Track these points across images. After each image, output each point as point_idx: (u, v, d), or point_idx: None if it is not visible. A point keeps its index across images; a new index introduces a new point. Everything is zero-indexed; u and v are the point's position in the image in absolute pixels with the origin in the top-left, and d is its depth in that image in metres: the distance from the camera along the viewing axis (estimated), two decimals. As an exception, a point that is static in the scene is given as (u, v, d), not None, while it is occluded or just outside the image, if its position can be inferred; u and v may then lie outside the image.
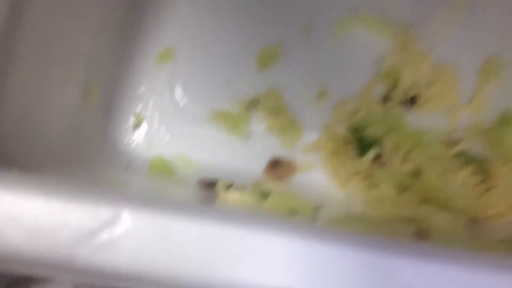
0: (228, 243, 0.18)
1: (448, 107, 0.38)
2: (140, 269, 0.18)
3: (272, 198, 0.28)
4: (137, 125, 0.37)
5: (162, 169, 0.34)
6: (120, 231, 0.18)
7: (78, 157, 0.32)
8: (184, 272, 0.18)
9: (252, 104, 0.37)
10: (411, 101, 0.38)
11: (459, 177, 0.32)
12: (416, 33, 0.38)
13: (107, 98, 0.36)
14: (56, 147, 0.30)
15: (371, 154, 0.34)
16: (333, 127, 0.36)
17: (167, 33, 0.38)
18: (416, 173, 0.34)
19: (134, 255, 0.18)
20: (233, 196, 0.29)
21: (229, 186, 0.31)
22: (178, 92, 0.38)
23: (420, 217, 0.31)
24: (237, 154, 0.36)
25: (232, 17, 0.39)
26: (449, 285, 0.18)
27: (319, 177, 0.36)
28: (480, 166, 0.34)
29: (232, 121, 0.36)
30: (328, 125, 0.36)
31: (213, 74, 0.38)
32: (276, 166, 0.36)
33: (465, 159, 0.35)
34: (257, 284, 0.18)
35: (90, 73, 0.33)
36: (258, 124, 0.37)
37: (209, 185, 0.32)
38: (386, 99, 0.38)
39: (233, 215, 0.19)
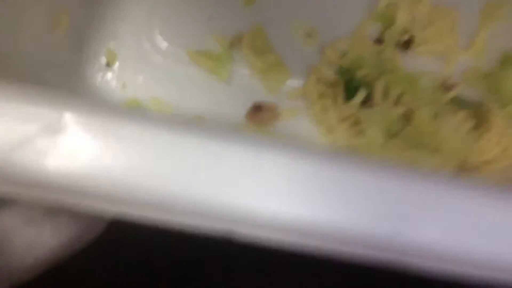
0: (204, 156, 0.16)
1: (445, 51, 0.35)
2: (86, 179, 0.16)
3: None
4: (110, 64, 0.34)
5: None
6: (64, 135, 0.16)
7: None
8: (142, 185, 0.16)
9: (235, 43, 0.34)
10: (406, 43, 0.35)
11: (452, 121, 0.30)
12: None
13: (77, 30, 0.33)
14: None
15: (360, 96, 0.32)
16: (321, 69, 0.34)
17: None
18: (407, 117, 0.32)
19: (79, 162, 0.16)
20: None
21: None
22: (156, 29, 0.35)
23: (408, 162, 0.29)
24: (218, 98, 0.34)
25: None
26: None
27: (304, 125, 0.34)
28: (476, 111, 0.32)
29: (213, 61, 0.34)
30: (316, 67, 0.34)
31: (194, 10, 0.35)
32: (259, 111, 0.33)
33: (461, 104, 0.33)
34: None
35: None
36: (241, 65, 0.34)
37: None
38: (379, 40, 0.35)
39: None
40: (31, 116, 0.16)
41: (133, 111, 0.18)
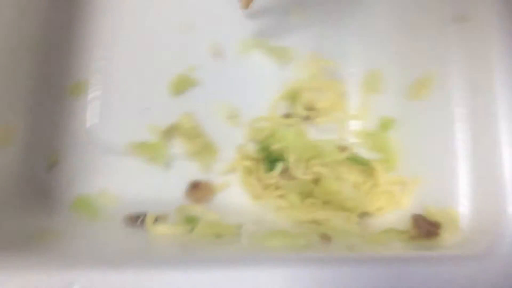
0: None
1: (337, 118, 0.44)
2: None
3: (199, 228, 0.32)
4: (52, 165, 0.37)
5: (85, 209, 0.35)
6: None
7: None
8: None
9: (169, 131, 0.40)
10: (308, 116, 0.44)
11: (350, 179, 0.39)
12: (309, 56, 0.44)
13: (22, 139, 0.35)
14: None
15: (278, 168, 0.39)
16: (245, 148, 0.40)
17: (77, 67, 0.39)
18: (316, 180, 0.40)
19: None
20: (162, 229, 0.32)
21: (156, 219, 0.33)
22: (94, 125, 0.39)
23: (321, 219, 0.37)
24: (159, 183, 0.39)
25: (141, 47, 0.41)
26: None
27: (236, 195, 0.40)
28: (366, 167, 0.41)
29: (150, 150, 0.39)
30: (240, 146, 0.41)
31: (128, 104, 0.40)
32: (196, 189, 0.39)
33: (355, 162, 0.42)
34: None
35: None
36: (177, 150, 0.40)
37: (136, 220, 0.34)
38: (288, 115, 0.43)
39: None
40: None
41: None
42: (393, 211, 0.39)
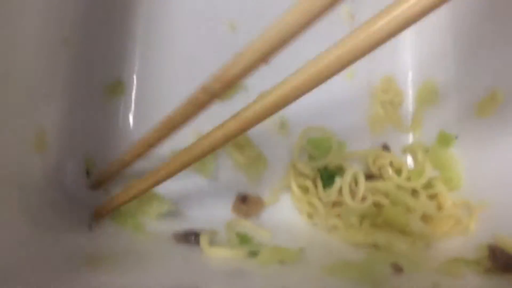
0: None
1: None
2: None
3: (263, 254, 0.28)
4: (90, 171, 0.33)
5: (130, 221, 0.31)
6: None
7: (31, 220, 0.27)
8: None
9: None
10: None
11: (416, 207, 0.35)
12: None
13: (57, 143, 0.31)
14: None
15: (336, 185, 0.35)
16: (297, 165, 0.37)
17: (116, 66, 0.35)
18: (377, 204, 0.36)
19: None
20: (219, 252, 0.28)
21: (211, 238, 0.29)
22: (135, 129, 0.35)
23: (382, 242, 0.33)
24: (205, 194, 0.35)
25: (185, 47, 0.37)
26: None
27: (285, 209, 0.37)
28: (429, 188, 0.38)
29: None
30: (293, 161, 0.37)
31: (170, 107, 0.36)
32: (245, 202, 0.35)
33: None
34: None
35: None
36: (224, 161, 0.36)
37: (187, 238, 0.30)
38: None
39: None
40: None
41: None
42: (458, 237, 0.36)
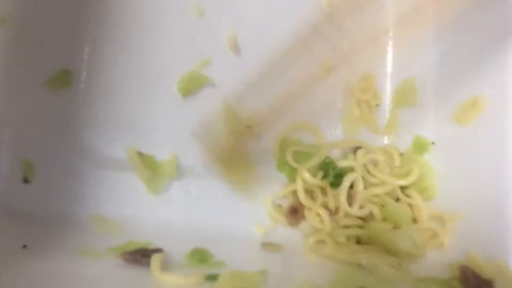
0: None
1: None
2: None
3: (220, 282, 0.25)
4: (28, 178, 0.29)
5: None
6: None
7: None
8: None
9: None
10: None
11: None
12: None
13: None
14: None
15: (346, 182, 0.33)
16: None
17: (62, 54, 0.30)
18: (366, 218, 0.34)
19: None
20: (172, 279, 0.25)
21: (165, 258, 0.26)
22: (82, 130, 0.30)
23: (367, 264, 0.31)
24: (160, 206, 0.31)
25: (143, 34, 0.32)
26: None
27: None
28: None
29: (152, 167, 0.31)
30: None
31: (126, 105, 0.31)
32: (296, 213, 0.33)
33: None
34: None
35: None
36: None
37: (135, 258, 0.26)
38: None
39: None
40: None
41: None
42: (432, 252, 0.34)
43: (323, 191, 0.34)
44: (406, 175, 0.36)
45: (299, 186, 0.33)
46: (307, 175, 0.34)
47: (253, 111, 0.35)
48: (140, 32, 0.32)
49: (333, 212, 0.34)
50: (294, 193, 0.34)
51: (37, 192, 0.29)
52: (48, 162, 0.29)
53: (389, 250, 0.32)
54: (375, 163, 0.35)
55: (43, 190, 0.29)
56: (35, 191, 0.29)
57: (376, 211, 0.33)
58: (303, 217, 0.34)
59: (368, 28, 0.39)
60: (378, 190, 0.34)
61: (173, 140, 0.32)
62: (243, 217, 0.32)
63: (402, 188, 0.35)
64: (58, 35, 0.30)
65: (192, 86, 0.33)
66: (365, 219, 0.35)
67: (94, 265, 0.25)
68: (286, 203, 0.34)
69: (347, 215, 0.34)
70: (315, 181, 0.34)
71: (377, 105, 0.40)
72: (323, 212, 0.33)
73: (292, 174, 0.34)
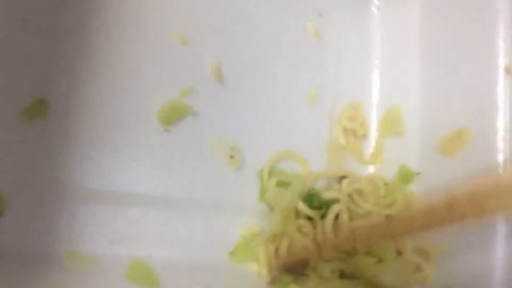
0: None
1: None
2: None
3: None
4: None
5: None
6: None
7: None
8: None
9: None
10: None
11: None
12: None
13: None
14: None
15: (332, 211, 0.33)
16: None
17: (36, 83, 0.29)
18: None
19: None
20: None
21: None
22: (56, 162, 0.29)
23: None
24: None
25: (123, 61, 0.32)
26: None
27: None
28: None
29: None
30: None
31: (103, 136, 0.30)
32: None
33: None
34: None
35: None
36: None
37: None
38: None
39: None
40: None
41: None
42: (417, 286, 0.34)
43: (313, 223, 0.34)
44: (391, 205, 0.35)
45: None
46: (301, 205, 0.33)
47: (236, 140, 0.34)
48: (121, 60, 0.32)
49: (320, 246, 0.33)
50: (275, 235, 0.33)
51: (8, 227, 0.27)
52: (21, 196, 0.28)
53: (373, 285, 0.31)
54: (360, 193, 0.35)
55: (14, 225, 0.27)
56: (5, 226, 0.27)
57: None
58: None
59: (354, 56, 0.40)
60: (363, 222, 0.34)
61: (153, 171, 0.31)
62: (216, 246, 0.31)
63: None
64: (34, 63, 0.29)
65: (173, 115, 0.32)
66: (349, 252, 0.34)
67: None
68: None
69: (332, 247, 0.33)
70: (309, 211, 0.33)
71: (364, 135, 0.39)
72: (310, 245, 0.33)
73: (274, 204, 0.34)
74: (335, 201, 0.34)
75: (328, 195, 0.34)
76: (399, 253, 0.34)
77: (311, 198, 0.34)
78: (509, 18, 0.33)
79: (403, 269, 0.33)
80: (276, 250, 0.33)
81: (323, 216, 0.34)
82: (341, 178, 0.36)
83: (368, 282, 0.32)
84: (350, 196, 0.34)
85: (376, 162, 0.39)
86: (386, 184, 0.38)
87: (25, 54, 0.29)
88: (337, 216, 0.34)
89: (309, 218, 0.34)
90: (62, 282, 0.26)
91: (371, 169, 0.39)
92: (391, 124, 0.39)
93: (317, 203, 0.34)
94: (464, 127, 0.35)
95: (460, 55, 0.36)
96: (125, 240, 0.29)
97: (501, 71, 0.33)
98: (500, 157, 0.33)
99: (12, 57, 0.29)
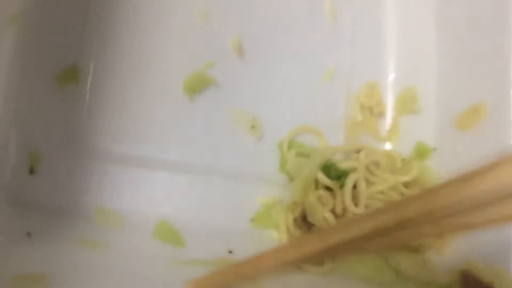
0: None
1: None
2: None
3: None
4: (34, 169, 0.29)
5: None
6: None
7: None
8: None
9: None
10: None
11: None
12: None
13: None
14: None
15: (350, 181, 0.33)
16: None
17: (70, 50, 0.30)
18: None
19: None
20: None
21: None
22: (89, 125, 0.31)
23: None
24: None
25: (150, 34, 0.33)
26: None
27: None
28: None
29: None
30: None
31: (130, 102, 0.32)
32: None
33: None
34: None
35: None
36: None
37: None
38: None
39: None
40: None
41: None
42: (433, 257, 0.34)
43: (332, 194, 0.35)
44: (407, 172, 0.36)
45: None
46: (321, 175, 0.34)
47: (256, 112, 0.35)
48: (145, 33, 0.33)
49: (339, 215, 0.34)
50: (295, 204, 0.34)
51: (42, 183, 0.29)
52: (54, 155, 0.30)
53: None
54: (377, 164, 0.36)
55: (48, 181, 0.29)
56: (40, 182, 0.29)
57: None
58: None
59: (369, 36, 0.41)
60: (381, 187, 0.34)
61: (178, 139, 0.32)
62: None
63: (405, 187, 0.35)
64: (66, 32, 0.31)
65: (197, 86, 0.33)
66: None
67: (93, 255, 0.25)
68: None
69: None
70: (328, 181, 0.34)
71: (380, 113, 0.40)
72: (329, 215, 0.33)
73: (294, 175, 0.35)
74: (352, 170, 0.34)
75: (345, 164, 0.35)
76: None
77: (328, 169, 0.35)
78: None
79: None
80: (295, 219, 0.34)
81: (342, 187, 0.34)
82: (359, 151, 0.37)
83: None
84: (367, 167, 0.35)
85: (392, 139, 0.40)
86: (402, 160, 0.38)
87: (59, 25, 0.31)
88: (355, 186, 0.34)
89: (328, 189, 0.35)
90: (93, 237, 0.27)
91: (388, 146, 0.40)
92: (407, 103, 0.40)
93: (334, 173, 0.34)
94: (479, 103, 0.35)
95: (475, 33, 0.36)
96: (152, 201, 0.30)
97: (516, 46, 0.34)
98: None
99: (47, 26, 0.30)
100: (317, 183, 0.35)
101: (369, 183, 0.35)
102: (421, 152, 0.38)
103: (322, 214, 0.33)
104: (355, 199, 0.34)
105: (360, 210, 0.33)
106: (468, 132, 0.36)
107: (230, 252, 0.30)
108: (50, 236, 0.26)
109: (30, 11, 0.30)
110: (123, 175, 0.30)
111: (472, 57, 0.36)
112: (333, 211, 0.34)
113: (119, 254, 0.26)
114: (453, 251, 0.34)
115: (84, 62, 0.31)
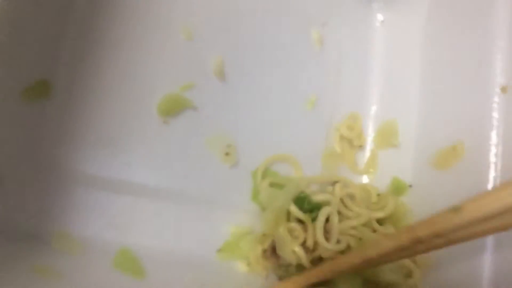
0: None
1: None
2: None
3: None
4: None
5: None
6: None
7: None
8: None
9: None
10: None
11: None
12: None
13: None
14: None
15: (323, 213, 0.33)
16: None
17: (39, 63, 0.29)
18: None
19: None
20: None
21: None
22: (54, 145, 0.30)
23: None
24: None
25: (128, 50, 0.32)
26: None
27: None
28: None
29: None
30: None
31: (101, 124, 0.31)
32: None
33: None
34: None
35: None
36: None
37: None
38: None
39: None
40: None
41: None
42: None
43: (304, 227, 0.34)
44: (382, 208, 0.36)
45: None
46: (293, 207, 0.33)
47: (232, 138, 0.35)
48: (123, 49, 0.32)
49: (310, 249, 0.33)
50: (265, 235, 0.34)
51: (1, 203, 0.27)
52: (17, 174, 0.28)
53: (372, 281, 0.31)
54: (352, 197, 0.35)
55: (7, 202, 0.27)
56: (-1, 201, 0.27)
57: (353, 243, 0.32)
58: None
59: (354, 67, 0.40)
60: (354, 222, 0.34)
61: (148, 162, 0.31)
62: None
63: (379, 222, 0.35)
64: (39, 44, 0.30)
65: (173, 108, 0.33)
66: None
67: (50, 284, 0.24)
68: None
69: (325, 251, 0.33)
70: (300, 214, 0.33)
71: (360, 146, 0.40)
72: (298, 250, 0.32)
73: (266, 205, 0.34)
74: (326, 204, 0.34)
75: (318, 197, 0.34)
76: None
77: (301, 201, 0.34)
78: (505, 41, 0.34)
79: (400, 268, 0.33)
80: (264, 250, 0.34)
81: (314, 220, 0.34)
82: (334, 183, 0.37)
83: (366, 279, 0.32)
84: (341, 200, 0.35)
85: (370, 172, 0.40)
86: (378, 194, 0.38)
87: (31, 36, 0.30)
88: (327, 220, 0.34)
89: (300, 222, 0.34)
90: (50, 263, 0.26)
91: (365, 179, 0.40)
92: (387, 136, 0.40)
93: (307, 206, 0.34)
94: (458, 143, 0.35)
95: (458, 73, 0.36)
96: (115, 227, 0.29)
97: (497, 90, 0.34)
98: (492, 174, 0.33)
99: (17, 38, 0.29)
100: (289, 215, 0.34)
101: (342, 217, 0.34)
102: (397, 188, 0.38)
103: (292, 248, 0.33)
104: (327, 233, 0.33)
105: (331, 245, 0.33)
106: (445, 171, 0.36)
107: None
108: (4, 263, 0.24)
109: None
110: (88, 197, 0.29)
111: (454, 97, 0.36)
112: (303, 244, 0.33)
113: (74, 284, 0.25)
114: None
115: (56, 76, 0.30)
